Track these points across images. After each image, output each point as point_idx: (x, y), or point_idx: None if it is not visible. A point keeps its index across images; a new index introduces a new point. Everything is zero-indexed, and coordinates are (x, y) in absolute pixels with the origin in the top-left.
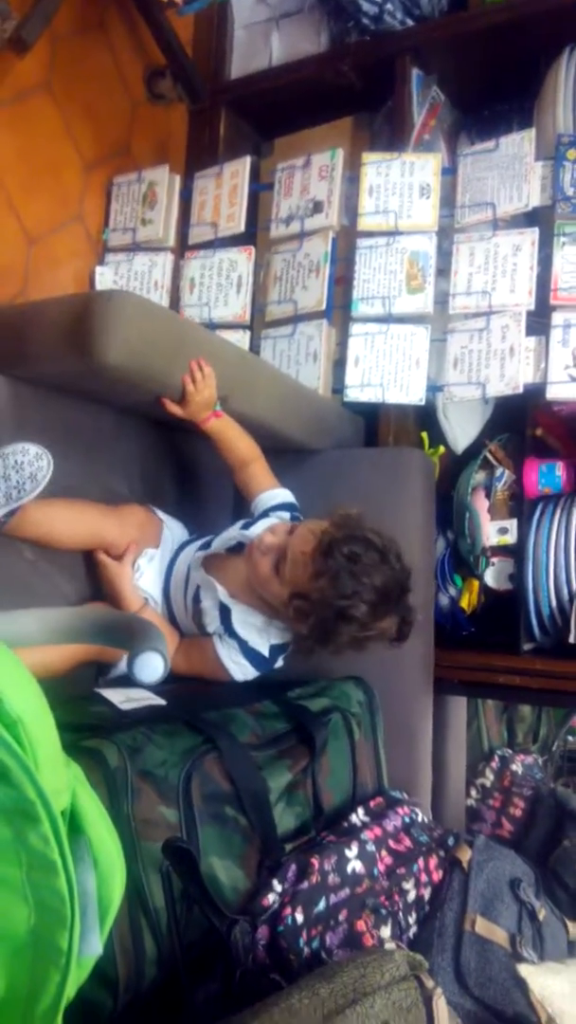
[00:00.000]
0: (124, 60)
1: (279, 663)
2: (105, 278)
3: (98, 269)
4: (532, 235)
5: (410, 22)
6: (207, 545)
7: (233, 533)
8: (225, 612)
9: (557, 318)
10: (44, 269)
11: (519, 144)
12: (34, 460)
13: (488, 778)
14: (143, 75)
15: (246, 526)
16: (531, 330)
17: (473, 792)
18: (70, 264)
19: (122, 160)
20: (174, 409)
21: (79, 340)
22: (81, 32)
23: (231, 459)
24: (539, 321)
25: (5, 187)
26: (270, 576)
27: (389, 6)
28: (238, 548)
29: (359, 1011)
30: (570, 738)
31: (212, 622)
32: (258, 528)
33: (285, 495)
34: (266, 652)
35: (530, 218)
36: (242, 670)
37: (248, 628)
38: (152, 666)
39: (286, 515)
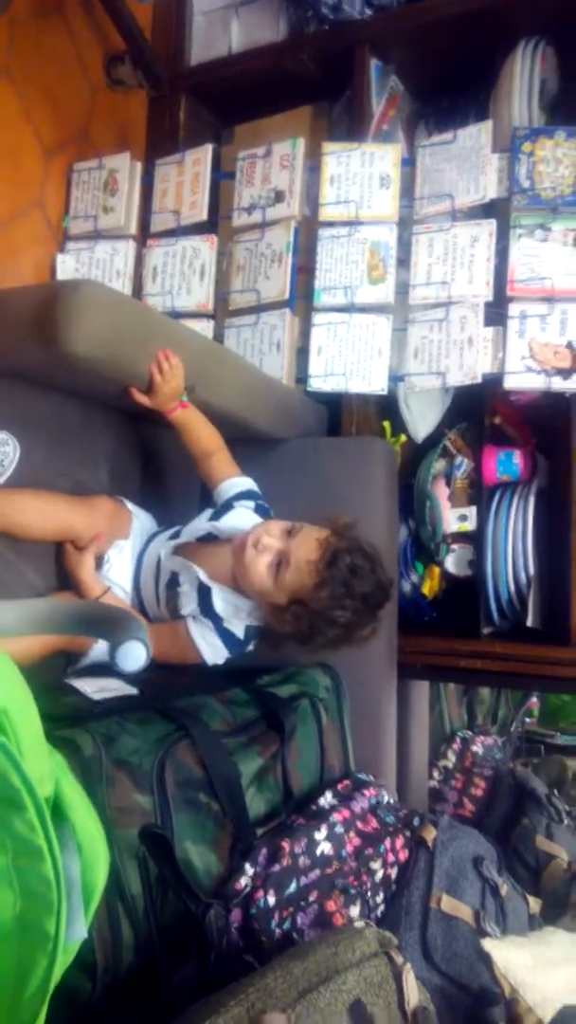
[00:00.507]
0: (83, 45)
1: (250, 646)
2: (66, 266)
3: (59, 257)
4: (489, 227)
5: (369, 12)
6: (177, 535)
7: (202, 524)
8: (204, 592)
9: (514, 309)
10: (3, 257)
11: (476, 136)
12: None
13: (450, 760)
14: (102, 60)
15: (215, 516)
16: (489, 320)
17: (436, 773)
18: (30, 252)
19: (82, 146)
20: (141, 399)
21: (46, 330)
22: (40, 16)
23: (195, 449)
24: (497, 312)
25: None
26: (266, 578)
27: None
28: (208, 538)
29: (332, 988)
30: (528, 719)
31: (188, 603)
32: (230, 520)
33: (246, 483)
34: (241, 634)
35: (487, 210)
36: (213, 651)
37: (228, 607)
38: (135, 655)
39: (251, 503)
